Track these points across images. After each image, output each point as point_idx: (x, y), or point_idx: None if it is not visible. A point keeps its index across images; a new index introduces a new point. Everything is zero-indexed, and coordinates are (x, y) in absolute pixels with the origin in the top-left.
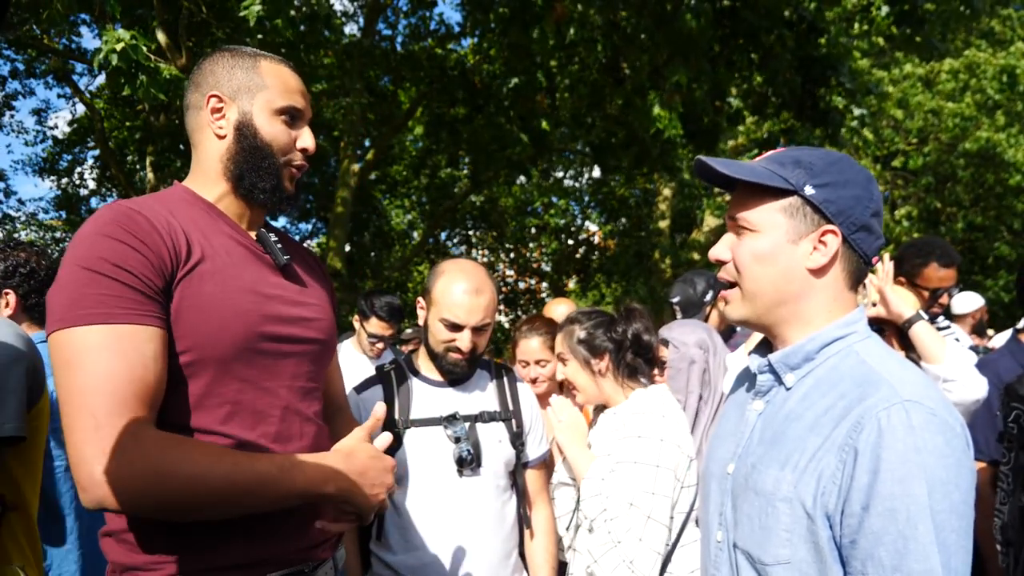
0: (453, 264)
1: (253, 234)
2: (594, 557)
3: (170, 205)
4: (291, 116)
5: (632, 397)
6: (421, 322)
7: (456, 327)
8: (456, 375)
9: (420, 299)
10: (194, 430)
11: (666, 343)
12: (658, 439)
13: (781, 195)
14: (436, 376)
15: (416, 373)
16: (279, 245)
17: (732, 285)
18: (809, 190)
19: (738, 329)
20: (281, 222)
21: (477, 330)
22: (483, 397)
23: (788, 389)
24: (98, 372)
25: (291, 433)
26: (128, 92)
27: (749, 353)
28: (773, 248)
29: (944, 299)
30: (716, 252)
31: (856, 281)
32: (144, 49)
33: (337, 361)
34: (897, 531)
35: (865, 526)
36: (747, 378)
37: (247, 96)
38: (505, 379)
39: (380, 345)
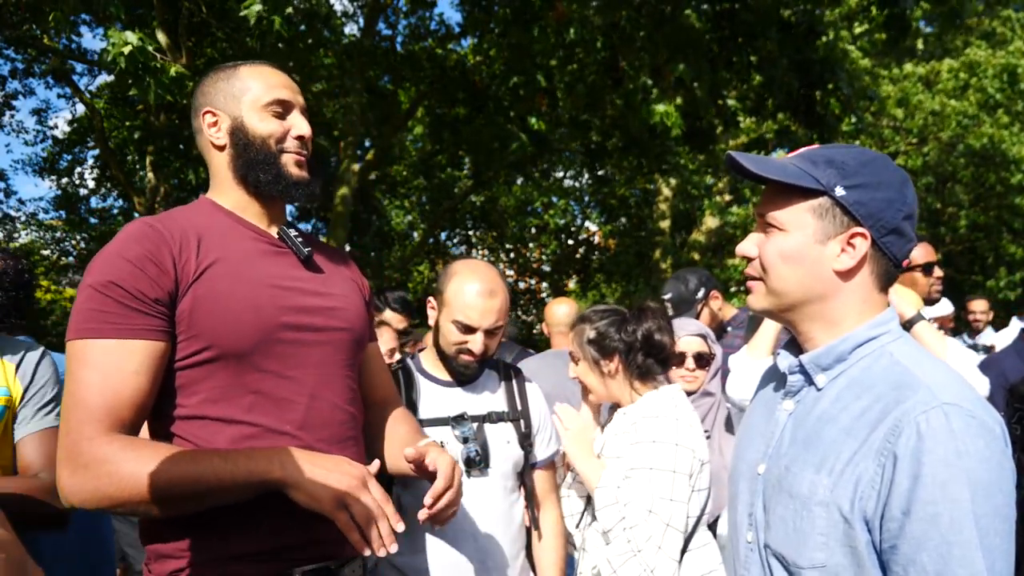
0: (466, 265)
1: (275, 232)
2: (613, 567)
3: (193, 216)
4: (280, 108)
5: (644, 399)
6: (431, 322)
7: (469, 329)
8: (466, 376)
9: (431, 299)
10: (219, 420)
11: (704, 338)
12: (673, 444)
13: (811, 195)
14: (444, 376)
15: (424, 373)
16: (299, 240)
17: (758, 279)
18: (840, 191)
19: (729, 328)
20: None
21: (490, 332)
22: (491, 397)
23: (819, 390)
24: (78, 384)
25: (318, 420)
26: (135, 93)
27: (778, 352)
28: (800, 248)
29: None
30: (743, 248)
31: (886, 283)
32: (150, 50)
33: (379, 353)
34: (940, 536)
35: (907, 531)
36: (775, 377)
37: (234, 102)
38: (514, 380)
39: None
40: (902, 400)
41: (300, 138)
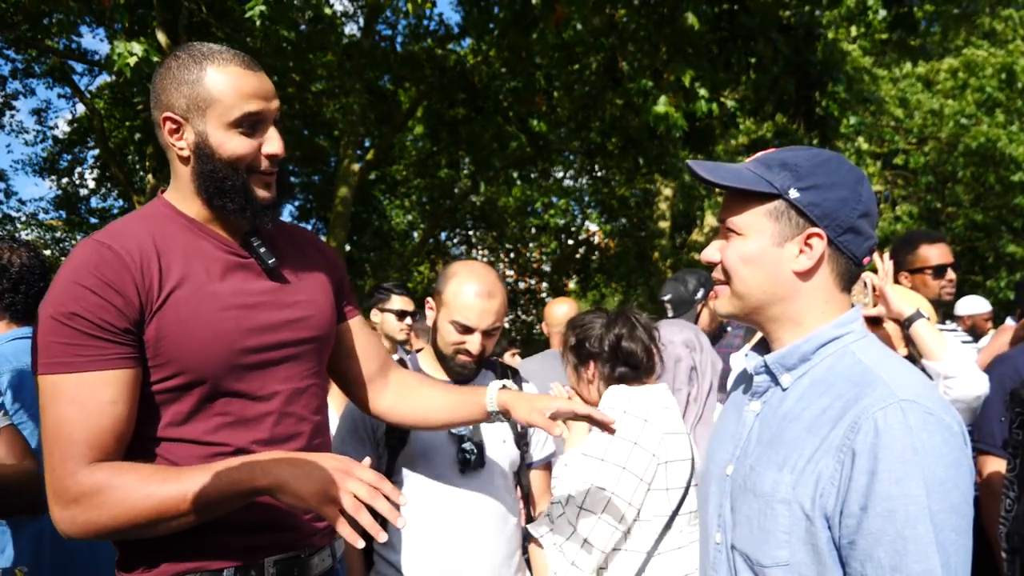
0: (465, 266)
1: (239, 240)
2: (558, 544)
3: (151, 225)
4: (250, 124)
5: (606, 394)
6: (429, 322)
7: (467, 330)
8: (463, 376)
9: (429, 299)
10: (185, 441)
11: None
12: (632, 442)
13: (766, 199)
14: (441, 375)
15: (419, 371)
16: (263, 250)
17: (724, 284)
18: (794, 193)
19: (728, 328)
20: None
21: (487, 333)
22: None
23: (784, 390)
24: (57, 419)
25: (285, 435)
26: (139, 100)
27: (746, 353)
28: (759, 252)
29: (951, 275)
30: (706, 254)
31: (847, 282)
32: (155, 60)
33: (363, 324)
34: (896, 531)
35: (864, 527)
36: (744, 379)
37: (198, 115)
38: (510, 380)
39: (408, 321)
40: (861, 397)
41: (272, 157)
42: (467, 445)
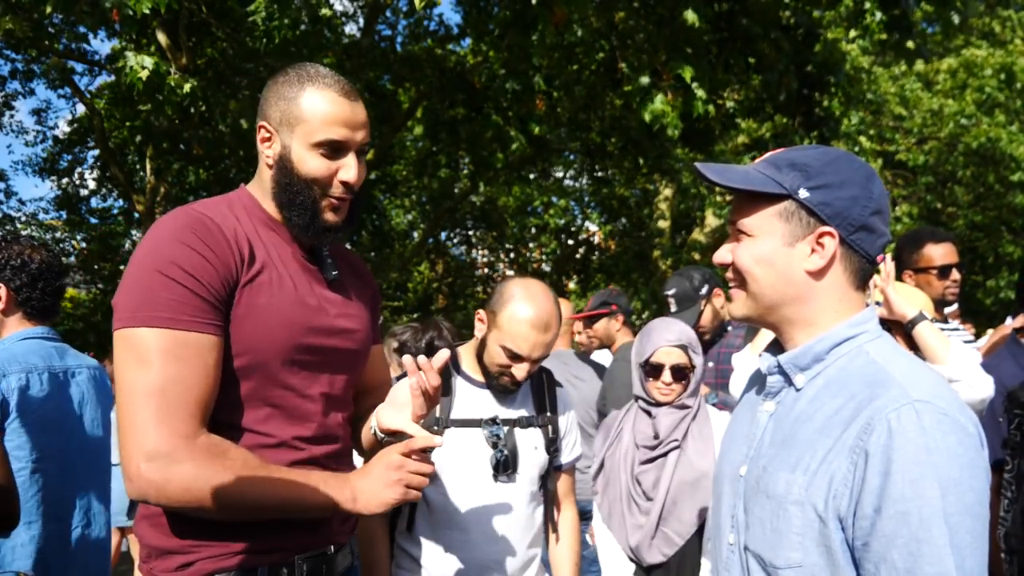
0: (524, 289)
1: (304, 247)
2: None
3: (236, 211)
4: (331, 148)
5: None
6: (478, 333)
7: (517, 357)
8: (502, 390)
9: (480, 312)
10: (235, 427)
11: (684, 348)
12: None
13: (776, 199)
14: (479, 377)
15: (459, 370)
16: (329, 260)
17: (739, 285)
18: (804, 193)
19: (729, 328)
20: None
21: (535, 361)
22: (522, 402)
23: (798, 390)
24: (160, 375)
25: (326, 435)
26: (146, 108)
27: (760, 354)
28: (771, 252)
29: (955, 275)
30: (718, 256)
31: (862, 281)
32: (163, 72)
33: (381, 352)
34: (910, 533)
35: (877, 529)
36: (758, 379)
37: (287, 129)
38: (544, 383)
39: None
40: (875, 398)
41: (346, 184)
42: (501, 451)
